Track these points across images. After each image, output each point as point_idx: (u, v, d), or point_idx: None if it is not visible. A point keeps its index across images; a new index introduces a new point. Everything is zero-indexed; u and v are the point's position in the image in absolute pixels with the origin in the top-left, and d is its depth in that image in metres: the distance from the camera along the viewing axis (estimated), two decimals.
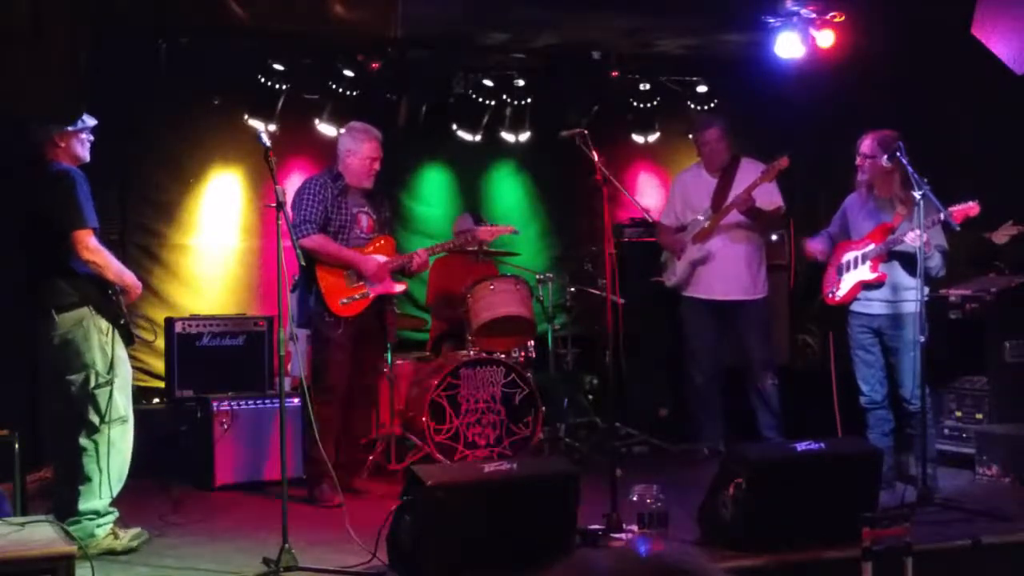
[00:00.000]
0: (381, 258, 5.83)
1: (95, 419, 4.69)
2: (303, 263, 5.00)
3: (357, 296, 5.73)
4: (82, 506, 4.67)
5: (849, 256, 5.82)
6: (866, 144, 5.73)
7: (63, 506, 4.69)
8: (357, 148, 5.82)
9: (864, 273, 5.73)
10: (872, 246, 5.71)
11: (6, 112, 5.90)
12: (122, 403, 4.78)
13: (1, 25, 5.85)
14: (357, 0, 6.65)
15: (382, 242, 5.92)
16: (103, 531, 4.70)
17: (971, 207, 5.30)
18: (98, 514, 4.70)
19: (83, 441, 4.69)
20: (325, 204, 5.73)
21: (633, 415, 7.23)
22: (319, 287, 5.68)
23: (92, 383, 4.69)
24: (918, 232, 5.30)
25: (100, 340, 4.72)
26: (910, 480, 5.66)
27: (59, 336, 4.68)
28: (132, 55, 7.02)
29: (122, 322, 4.79)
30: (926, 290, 5.43)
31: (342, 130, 6.08)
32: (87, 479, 4.69)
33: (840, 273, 5.85)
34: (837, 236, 5.94)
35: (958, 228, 5.25)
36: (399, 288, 5.93)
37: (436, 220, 8.06)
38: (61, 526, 4.12)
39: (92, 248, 4.66)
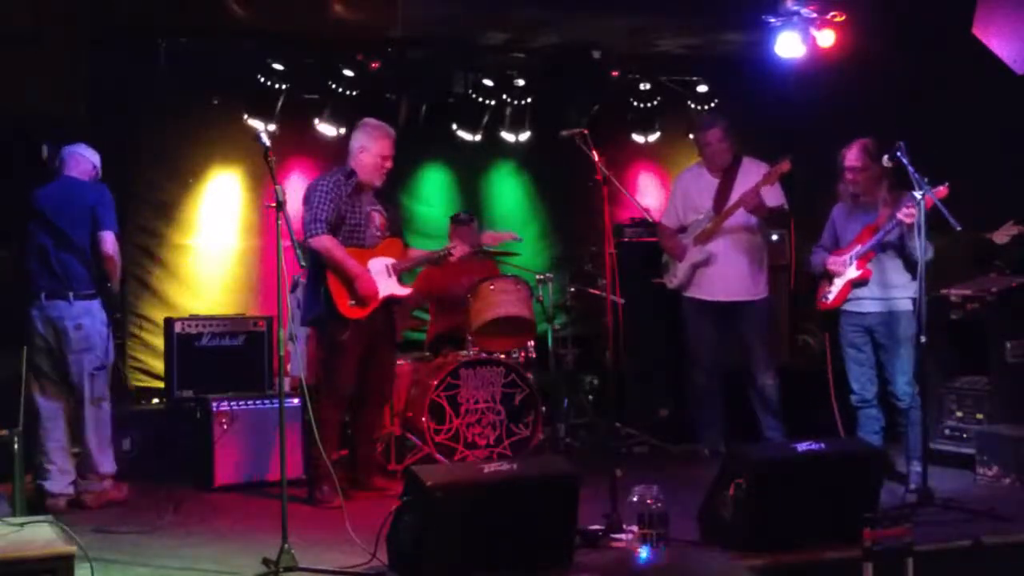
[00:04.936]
0: (390, 260, 5.81)
1: (100, 394, 5.60)
2: (303, 263, 4.99)
3: None
4: (105, 469, 5.66)
5: (839, 262, 5.89)
6: (854, 156, 5.80)
7: (85, 470, 5.63)
8: (371, 145, 5.77)
9: (851, 272, 5.84)
10: (858, 247, 5.80)
11: (7, 112, 5.93)
12: (106, 387, 5.69)
13: (1, 26, 5.87)
14: (357, 0, 6.65)
15: (390, 244, 5.89)
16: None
17: (939, 191, 5.33)
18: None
19: (89, 412, 5.58)
20: (338, 203, 5.66)
21: (633, 415, 7.23)
22: (328, 288, 5.63)
23: (92, 365, 5.57)
24: (907, 210, 5.40)
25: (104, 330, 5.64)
26: (900, 478, 5.69)
27: (73, 320, 5.53)
28: (132, 55, 7.02)
29: (116, 315, 5.70)
30: (915, 287, 5.46)
31: (357, 126, 5.93)
32: (106, 446, 5.66)
33: (831, 279, 5.91)
34: (830, 247, 6.01)
35: (959, 227, 5.25)
36: (404, 291, 5.91)
37: (436, 220, 8.06)
38: (61, 526, 4.13)
39: (116, 248, 5.66)
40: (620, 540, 4.59)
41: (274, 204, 4.56)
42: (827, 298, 5.94)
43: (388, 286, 5.77)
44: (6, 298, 5.91)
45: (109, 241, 5.60)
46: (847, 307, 5.89)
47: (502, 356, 6.48)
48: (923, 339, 5.28)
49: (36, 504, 5.34)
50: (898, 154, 5.34)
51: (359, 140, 5.80)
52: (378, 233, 5.84)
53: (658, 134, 8.56)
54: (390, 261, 5.82)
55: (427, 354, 6.91)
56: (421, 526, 4.05)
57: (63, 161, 5.76)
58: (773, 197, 6.44)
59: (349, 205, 5.72)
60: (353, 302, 5.65)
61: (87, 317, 5.57)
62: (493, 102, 7.99)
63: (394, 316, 5.96)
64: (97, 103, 6.43)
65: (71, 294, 5.54)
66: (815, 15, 6.86)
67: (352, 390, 5.77)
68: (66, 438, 5.64)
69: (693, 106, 8.35)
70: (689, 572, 4.34)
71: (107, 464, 5.67)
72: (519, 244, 6.72)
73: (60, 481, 5.56)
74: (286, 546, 4.29)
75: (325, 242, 5.60)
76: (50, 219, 5.57)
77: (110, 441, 5.74)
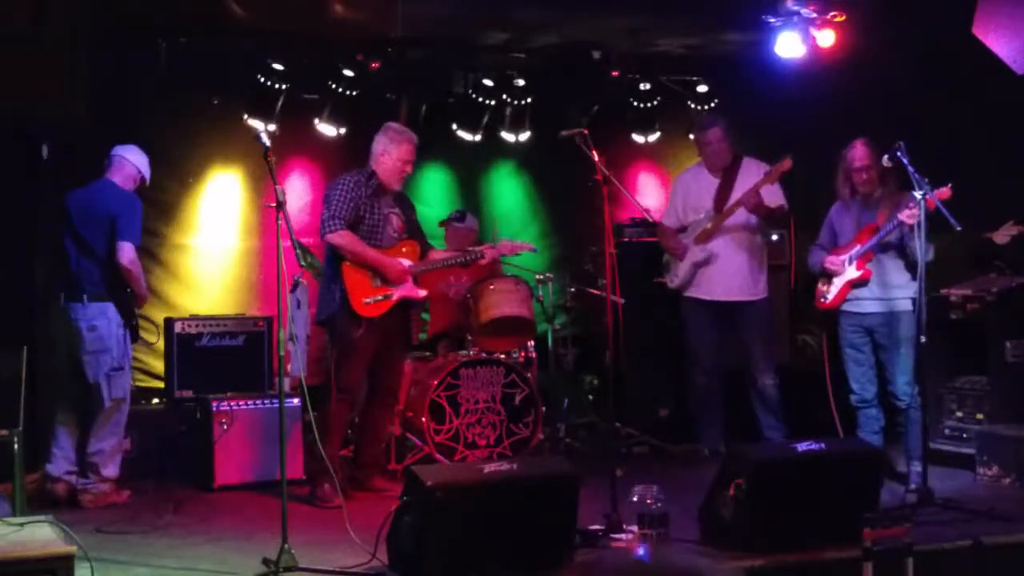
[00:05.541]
0: (406, 262, 5.84)
1: (118, 395, 5.70)
2: (303, 263, 4.99)
3: (380, 297, 5.71)
4: (109, 472, 5.71)
5: (837, 261, 5.89)
6: (863, 155, 5.79)
7: (88, 470, 5.71)
8: (393, 149, 5.81)
9: (851, 273, 5.84)
10: (858, 247, 5.80)
11: (7, 112, 5.94)
12: (126, 388, 5.78)
13: (2, 25, 5.86)
14: (357, 0, 6.65)
15: (407, 246, 5.91)
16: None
17: (942, 192, 5.32)
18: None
19: (104, 413, 5.67)
20: (357, 202, 5.69)
21: (633, 415, 7.23)
22: (344, 285, 5.66)
23: (109, 366, 5.65)
24: (909, 211, 5.39)
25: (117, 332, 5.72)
26: (900, 478, 5.69)
27: (87, 322, 5.62)
28: (132, 55, 7.02)
29: (133, 322, 5.79)
30: (915, 287, 5.47)
31: (381, 129, 5.95)
32: (115, 450, 5.75)
33: (830, 279, 5.91)
34: (828, 246, 6.01)
35: (959, 228, 5.25)
36: (421, 293, 5.93)
37: (436, 220, 8.05)
38: (61, 526, 4.13)
39: (133, 259, 5.72)
40: (620, 540, 4.60)
41: (274, 204, 4.56)
42: (826, 298, 5.94)
43: (404, 288, 5.80)
44: (8, 298, 5.93)
45: (126, 252, 5.66)
46: (847, 307, 5.90)
47: (502, 356, 6.48)
48: (923, 339, 5.29)
49: (36, 504, 5.34)
50: (898, 154, 5.34)
51: (381, 143, 5.84)
52: (395, 235, 5.87)
53: (658, 134, 8.56)
54: (407, 263, 5.85)
55: (427, 354, 6.91)
56: (421, 526, 4.05)
57: (109, 162, 5.86)
58: (773, 197, 6.44)
59: (368, 206, 5.75)
60: (368, 300, 5.67)
61: (101, 319, 5.64)
62: (493, 102, 7.99)
63: (411, 318, 6.01)
64: (97, 103, 6.42)
65: (85, 296, 5.62)
66: (815, 15, 6.86)
67: (361, 389, 5.79)
68: (78, 430, 5.71)
69: (693, 106, 8.34)
70: (689, 572, 4.34)
71: (112, 468, 5.73)
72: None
73: (62, 465, 5.64)
74: (286, 546, 4.29)
75: (343, 237, 5.63)
76: (75, 224, 5.69)
77: (120, 446, 5.82)
